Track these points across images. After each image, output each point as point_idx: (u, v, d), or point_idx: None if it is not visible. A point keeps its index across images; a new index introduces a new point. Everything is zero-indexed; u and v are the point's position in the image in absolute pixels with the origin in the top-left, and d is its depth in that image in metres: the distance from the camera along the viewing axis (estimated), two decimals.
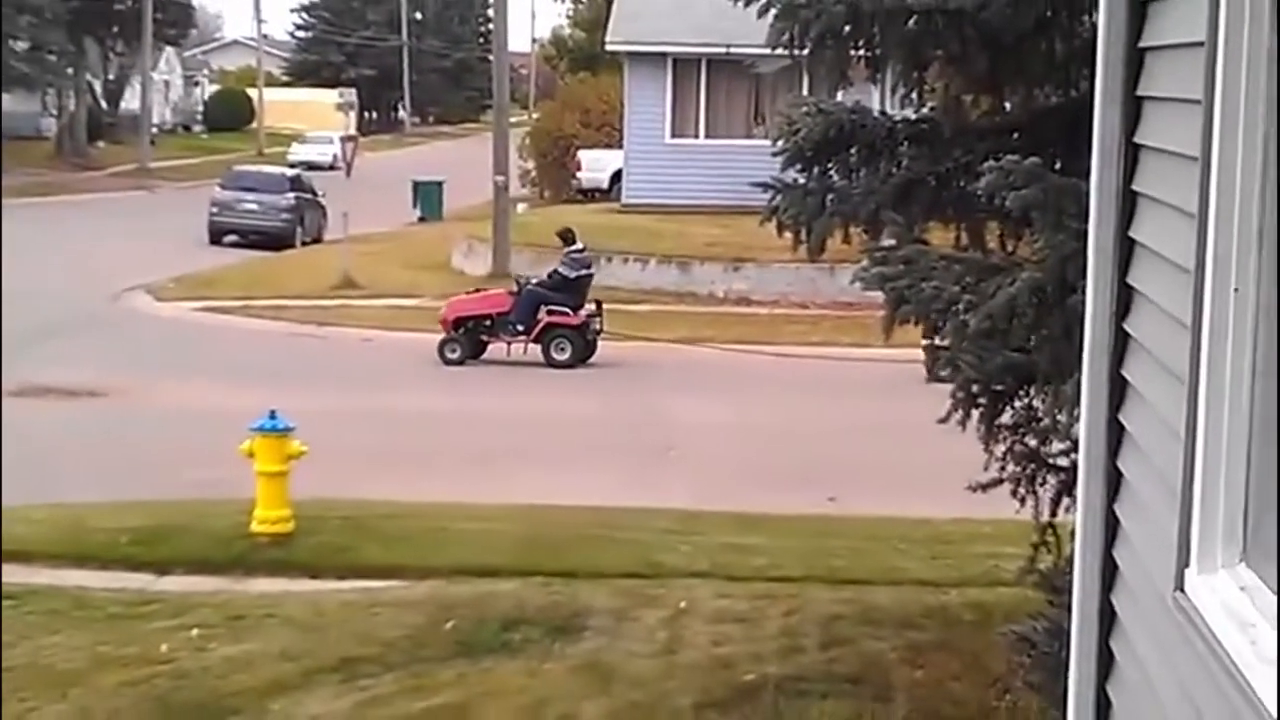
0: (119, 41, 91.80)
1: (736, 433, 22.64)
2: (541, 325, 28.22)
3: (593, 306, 28.94)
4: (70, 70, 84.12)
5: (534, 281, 29.00)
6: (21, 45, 75.22)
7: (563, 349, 28.20)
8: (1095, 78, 5.94)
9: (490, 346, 28.77)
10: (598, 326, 28.83)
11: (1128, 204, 5.75)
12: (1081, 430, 6.16)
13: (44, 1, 74.54)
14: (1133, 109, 5.70)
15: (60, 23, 77.54)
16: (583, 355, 28.50)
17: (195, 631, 12.61)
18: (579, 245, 29.24)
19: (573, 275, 28.67)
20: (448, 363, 28.18)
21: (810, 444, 21.57)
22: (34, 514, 16.49)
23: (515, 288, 29.06)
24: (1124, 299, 5.78)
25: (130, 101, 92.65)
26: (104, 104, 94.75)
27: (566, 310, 28.32)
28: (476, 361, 28.36)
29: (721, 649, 12.33)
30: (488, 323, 28.62)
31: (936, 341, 10.52)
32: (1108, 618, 5.92)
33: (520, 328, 28.27)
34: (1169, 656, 4.86)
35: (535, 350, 28.44)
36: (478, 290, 30.05)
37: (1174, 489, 4.79)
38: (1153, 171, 5.50)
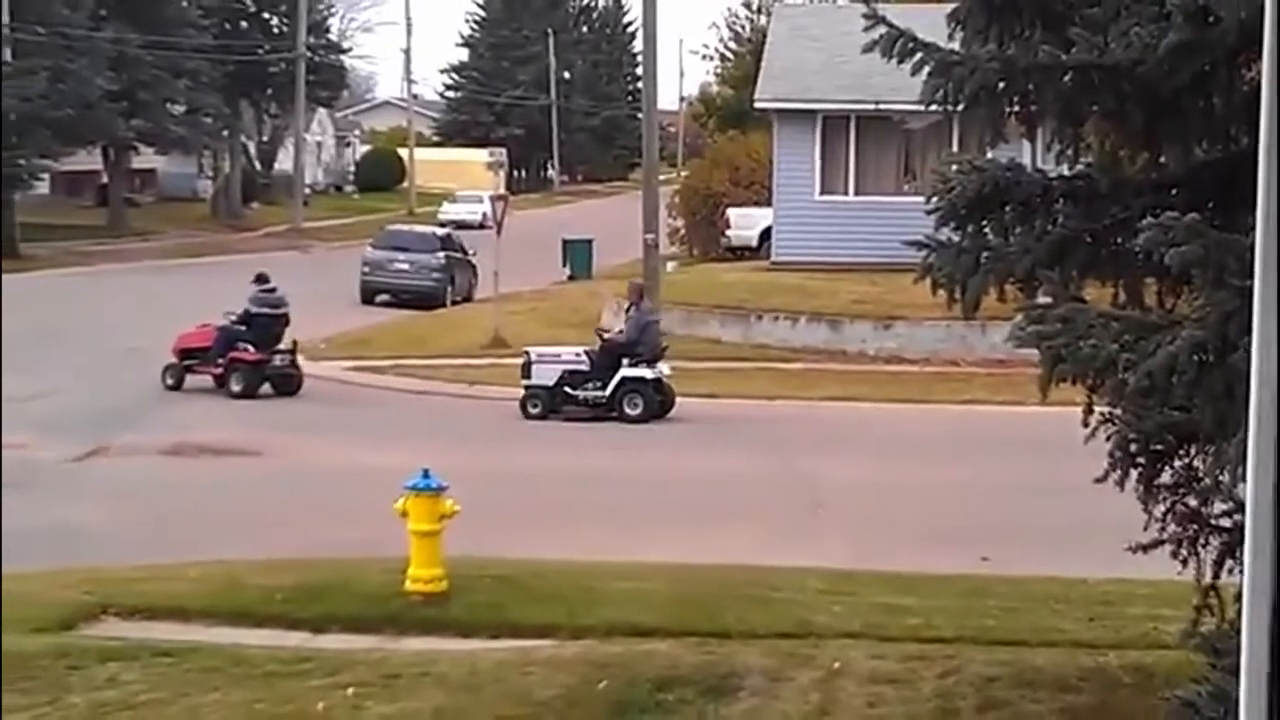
0: (273, 104, 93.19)
1: (887, 491, 22.48)
2: (228, 359, 31.49)
3: (288, 345, 32.14)
4: (225, 132, 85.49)
5: (234, 319, 32.06)
6: (178, 108, 76.45)
7: (239, 381, 31.30)
8: (1258, 132, 5.84)
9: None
10: (281, 362, 31.86)
11: None
12: (1248, 492, 6.04)
13: (200, 65, 75.80)
14: None
15: (216, 86, 78.78)
16: (270, 386, 31.50)
17: (350, 690, 12.64)
18: (270, 285, 32.76)
19: (254, 311, 31.97)
20: (167, 388, 31.46)
21: (963, 503, 21.37)
22: (189, 572, 16.69)
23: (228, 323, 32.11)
24: None
25: (284, 163, 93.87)
26: (258, 165, 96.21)
27: (249, 347, 31.58)
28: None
29: (876, 710, 12.20)
30: (205, 353, 31.73)
31: (1094, 400, 10.37)
32: (1278, 684, 5.79)
33: (220, 360, 31.46)
34: None
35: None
36: (205, 325, 32.41)
37: None
38: None
